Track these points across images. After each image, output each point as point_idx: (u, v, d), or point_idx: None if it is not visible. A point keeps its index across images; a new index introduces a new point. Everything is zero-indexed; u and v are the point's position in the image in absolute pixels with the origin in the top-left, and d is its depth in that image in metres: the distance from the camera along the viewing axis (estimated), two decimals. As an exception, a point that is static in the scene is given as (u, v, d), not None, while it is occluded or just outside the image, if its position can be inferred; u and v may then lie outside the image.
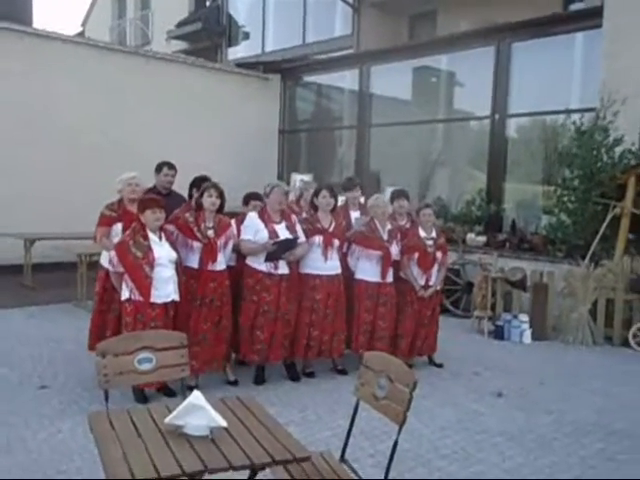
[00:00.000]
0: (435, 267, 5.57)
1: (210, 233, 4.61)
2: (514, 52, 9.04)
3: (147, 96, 10.19)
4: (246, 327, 4.86)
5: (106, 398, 2.70)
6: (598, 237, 7.05)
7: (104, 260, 4.86)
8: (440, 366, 5.71)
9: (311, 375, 5.26)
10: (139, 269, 4.19)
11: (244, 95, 11.59)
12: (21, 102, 8.98)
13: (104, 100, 9.72)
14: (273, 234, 4.83)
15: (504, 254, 8.07)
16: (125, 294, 4.29)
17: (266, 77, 12.18)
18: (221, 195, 4.70)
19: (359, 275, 5.37)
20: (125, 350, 2.80)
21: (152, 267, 4.20)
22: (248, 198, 5.39)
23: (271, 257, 4.81)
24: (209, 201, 4.63)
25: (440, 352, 5.79)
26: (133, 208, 4.62)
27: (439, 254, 5.59)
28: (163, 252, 4.28)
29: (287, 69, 12.33)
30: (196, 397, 2.32)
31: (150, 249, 4.23)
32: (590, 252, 7.03)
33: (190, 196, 5.15)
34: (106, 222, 4.90)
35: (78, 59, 9.63)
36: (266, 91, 12.13)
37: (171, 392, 4.45)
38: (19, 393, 4.60)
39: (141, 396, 4.40)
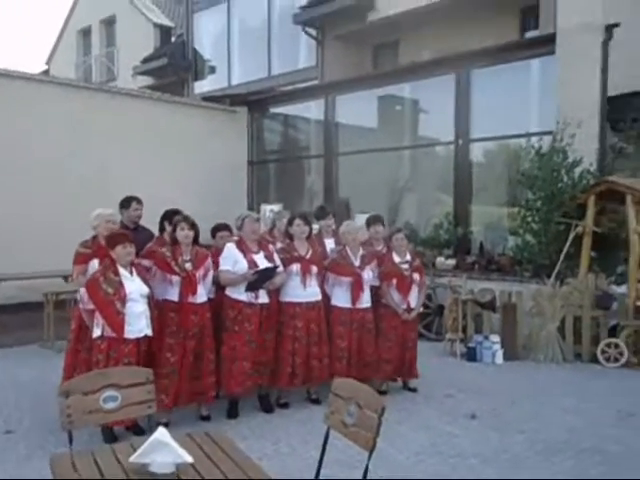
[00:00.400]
0: (415, 289, 5.63)
1: (188, 266, 4.64)
2: (474, 79, 9.30)
3: (113, 132, 10.15)
4: (228, 358, 4.82)
5: (70, 440, 2.64)
6: (562, 256, 7.21)
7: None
8: (414, 390, 5.71)
9: (285, 406, 5.22)
10: (110, 305, 4.16)
11: (211, 128, 11.64)
12: (-17, 141, 8.87)
13: (69, 137, 9.65)
14: (252, 264, 4.87)
15: (473, 276, 8.16)
16: (97, 332, 4.23)
17: (233, 110, 12.28)
18: (193, 226, 4.74)
19: (333, 301, 5.42)
20: (90, 389, 2.75)
21: (124, 303, 4.17)
22: (215, 230, 5.41)
23: (252, 287, 4.84)
24: (182, 234, 4.67)
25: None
26: None
27: (416, 276, 5.65)
28: (134, 287, 4.27)
29: (254, 101, 12.46)
30: (161, 434, 2.29)
31: (121, 284, 4.22)
32: (555, 271, 7.17)
33: (161, 230, 5.13)
34: (82, 260, 4.85)
35: (42, 97, 9.57)
36: (233, 124, 12.21)
37: (141, 430, 4.36)
38: (-17, 439, 4.46)
39: (110, 436, 4.30)
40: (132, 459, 2.25)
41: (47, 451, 4.13)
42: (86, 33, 21.14)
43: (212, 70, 16.36)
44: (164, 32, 18.73)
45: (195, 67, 16.58)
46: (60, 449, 3.95)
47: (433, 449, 4.31)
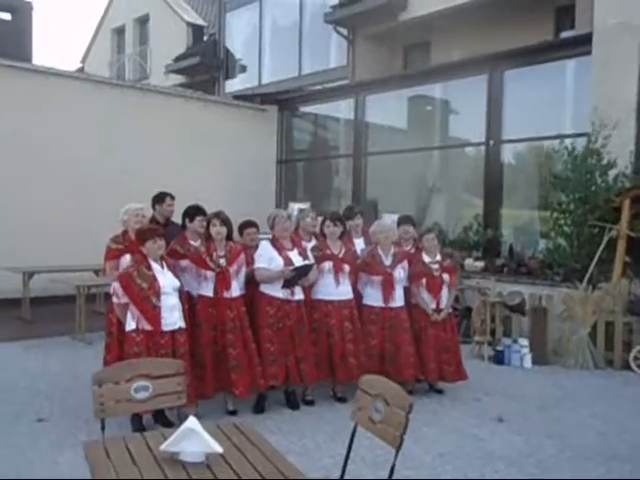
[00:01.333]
0: (445, 290, 5.60)
1: (222, 262, 4.73)
2: (507, 79, 9.19)
3: (145, 129, 10.32)
4: (270, 353, 4.87)
5: (102, 427, 2.69)
6: (595, 260, 7.07)
7: None
8: (440, 392, 5.66)
9: (310, 403, 5.23)
10: (146, 300, 4.23)
11: (241, 126, 11.74)
12: (20, 137, 9.06)
13: (102, 133, 9.83)
14: (288, 261, 4.94)
15: (502, 279, 8.07)
16: (131, 325, 4.29)
17: (263, 108, 12.35)
18: (225, 222, 4.81)
19: (364, 301, 5.46)
20: (122, 378, 2.80)
21: (159, 296, 4.25)
22: (242, 227, 5.45)
23: (288, 284, 4.92)
24: (214, 231, 4.77)
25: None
26: None
27: (446, 276, 5.61)
28: (167, 281, 4.34)
29: (284, 100, 12.51)
30: (192, 422, 2.32)
31: (155, 279, 4.28)
32: (588, 275, 7.04)
33: (183, 225, 5.19)
34: (114, 255, 4.93)
35: (76, 94, 9.77)
36: (263, 122, 12.29)
37: (170, 423, 4.41)
38: (15, 426, 4.56)
39: (139, 425, 4.36)
40: (163, 447, 2.28)
41: (78, 439, 4.20)
42: (120, 32, 21.48)
43: (243, 69, 16.47)
44: (196, 31, 18.92)
45: (226, 66, 16.72)
46: (91, 437, 4.03)
47: (459, 451, 4.27)
